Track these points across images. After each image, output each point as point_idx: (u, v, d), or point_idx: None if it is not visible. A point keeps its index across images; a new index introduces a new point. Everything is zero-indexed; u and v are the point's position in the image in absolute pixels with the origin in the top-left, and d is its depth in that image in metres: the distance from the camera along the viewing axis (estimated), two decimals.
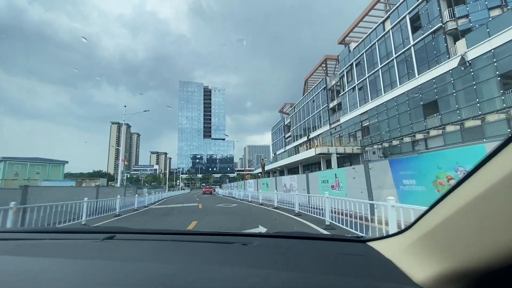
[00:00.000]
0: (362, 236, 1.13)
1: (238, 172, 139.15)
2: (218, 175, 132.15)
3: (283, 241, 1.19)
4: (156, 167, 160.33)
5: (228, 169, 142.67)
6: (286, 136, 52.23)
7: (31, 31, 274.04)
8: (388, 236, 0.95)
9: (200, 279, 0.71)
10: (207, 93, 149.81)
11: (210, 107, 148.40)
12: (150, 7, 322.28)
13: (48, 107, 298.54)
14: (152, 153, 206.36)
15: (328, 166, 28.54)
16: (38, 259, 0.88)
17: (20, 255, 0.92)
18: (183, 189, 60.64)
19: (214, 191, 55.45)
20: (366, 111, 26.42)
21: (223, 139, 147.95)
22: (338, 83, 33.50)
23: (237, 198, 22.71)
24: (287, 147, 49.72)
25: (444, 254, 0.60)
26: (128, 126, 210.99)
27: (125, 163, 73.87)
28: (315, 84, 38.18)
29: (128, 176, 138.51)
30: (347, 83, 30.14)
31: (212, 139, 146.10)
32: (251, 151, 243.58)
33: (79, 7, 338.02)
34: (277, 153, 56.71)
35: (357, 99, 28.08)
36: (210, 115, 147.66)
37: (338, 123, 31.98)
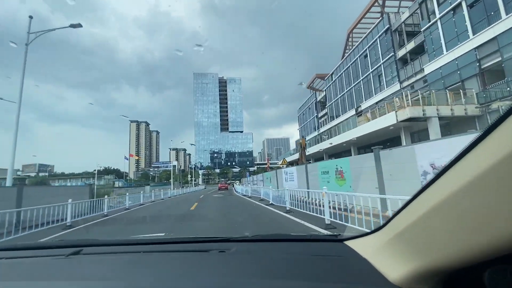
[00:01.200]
0: (339, 235, 1.09)
1: (258, 166, 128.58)
2: (237, 170, 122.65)
3: (261, 245, 1.14)
4: (175, 163, 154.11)
5: (248, 162, 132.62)
6: (320, 115, 40.51)
7: (55, 39, 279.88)
8: (365, 234, 0.92)
9: None
10: (223, 84, 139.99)
11: (226, 99, 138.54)
12: (164, 7, 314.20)
13: (75, 111, 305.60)
14: (171, 149, 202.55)
15: (417, 139, 16.85)
16: None
17: None
18: (197, 185, 51.26)
19: (233, 186, 46.05)
20: (495, 37, 14.31)
21: (241, 131, 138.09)
22: (410, 19, 21.34)
23: (275, 206, 10.86)
24: (322, 129, 38.12)
25: (416, 253, 0.59)
26: (147, 124, 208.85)
27: (136, 157, 66.08)
28: (369, 30, 26.05)
29: (142, 173, 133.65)
30: (439, 6, 17.96)
31: (229, 132, 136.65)
32: (269, 145, 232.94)
33: (98, 13, 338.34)
34: (308, 139, 45.29)
35: (467, 23, 15.91)
36: (227, 107, 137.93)
37: (420, 76, 19.94)
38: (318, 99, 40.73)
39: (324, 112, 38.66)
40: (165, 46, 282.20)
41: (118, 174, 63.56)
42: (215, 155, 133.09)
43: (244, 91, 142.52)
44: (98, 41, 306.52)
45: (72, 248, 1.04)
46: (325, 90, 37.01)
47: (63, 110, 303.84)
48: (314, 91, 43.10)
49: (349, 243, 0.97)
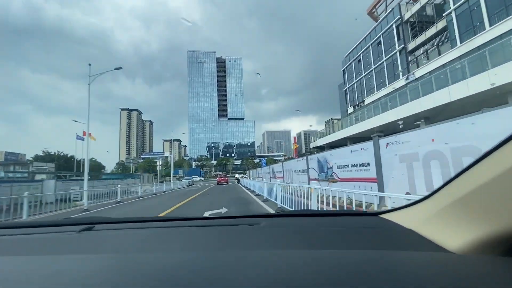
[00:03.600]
0: (373, 210, 0.98)
1: (260, 158, 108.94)
2: (237, 161, 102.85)
3: (292, 219, 1.08)
4: (167, 154, 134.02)
5: (249, 154, 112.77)
6: (412, 47, 20.71)
7: (49, 28, 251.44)
8: (402, 207, 0.86)
9: (203, 265, 0.57)
10: (221, 64, 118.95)
11: (225, 81, 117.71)
12: None
13: (70, 102, 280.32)
14: (165, 140, 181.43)
15: None
16: (2, 258, 0.71)
17: None
18: (180, 180, 31.49)
19: (238, 181, 27.35)
20: None
21: (242, 119, 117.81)
22: None
23: None
24: (422, 70, 18.47)
25: (483, 219, 0.54)
26: (139, 113, 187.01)
27: (92, 138, 45.76)
28: None
29: (119, 163, 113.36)
30: None
31: (228, 119, 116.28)
32: (270, 137, 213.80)
33: (93, 2, 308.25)
34: (367, 102, 25.78)
35: None
36: (226, 91, 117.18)
37: None
38: (406, 19, 20.86)
39: (426, 36, 18.84)
40: (162, 37, 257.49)
41: (67, 161, 43.35)
42: (212, 144, 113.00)
43: (243, 84, 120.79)
44: (94, 31, 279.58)
45: (84, 225, 0.98)
46: None
47: (58, 101, 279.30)
48: (390, 15, 23.11)
49: (386, 216, 0.90)
